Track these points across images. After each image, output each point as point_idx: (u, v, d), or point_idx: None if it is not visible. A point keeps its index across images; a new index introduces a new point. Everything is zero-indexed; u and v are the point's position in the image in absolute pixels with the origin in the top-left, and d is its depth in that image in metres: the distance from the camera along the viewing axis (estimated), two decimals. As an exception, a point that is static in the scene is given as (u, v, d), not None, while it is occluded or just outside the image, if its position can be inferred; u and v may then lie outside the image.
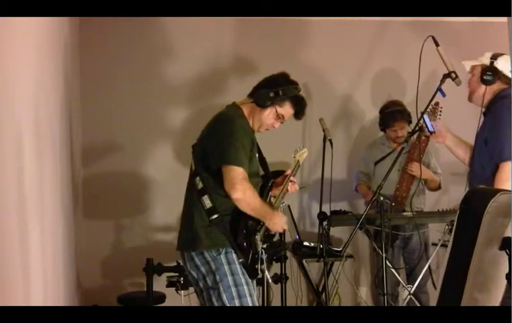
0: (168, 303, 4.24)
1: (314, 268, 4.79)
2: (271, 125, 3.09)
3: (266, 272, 3.07)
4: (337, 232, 4.65)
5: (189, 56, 4.80)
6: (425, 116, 3.64)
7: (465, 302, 2.68)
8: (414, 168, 4.23)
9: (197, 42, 4.81)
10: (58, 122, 3.34)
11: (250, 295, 2.90)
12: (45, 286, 2.77)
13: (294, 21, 4.86)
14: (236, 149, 2.87)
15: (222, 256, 2.89)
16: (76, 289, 4.18)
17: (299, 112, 3.10)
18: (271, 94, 3.01)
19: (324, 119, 4.40)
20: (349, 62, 5.01)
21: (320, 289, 4.65)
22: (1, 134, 1.95)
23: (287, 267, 4.33)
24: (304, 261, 4.61)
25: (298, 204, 4.96)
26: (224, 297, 2.86)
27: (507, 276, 2.47)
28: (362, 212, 3.91)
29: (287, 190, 3.19)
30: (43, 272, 2.72)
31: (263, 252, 2.99)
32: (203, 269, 2.91)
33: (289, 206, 4.39)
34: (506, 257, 2.48)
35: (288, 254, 4.39)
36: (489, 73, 3.39)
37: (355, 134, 5.07)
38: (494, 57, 3.42)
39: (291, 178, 3.19)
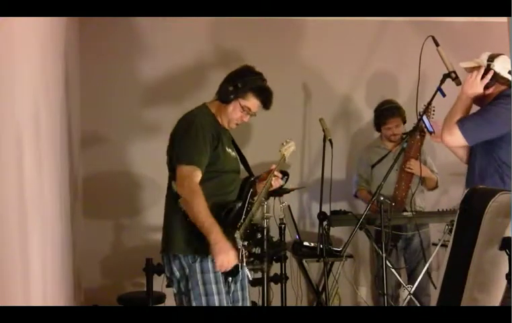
0: (168, 303, 4.24)
1: (314, 268, 4.78)
2: (240, 119, 3.06)
3: (246, 269, 3.01)
4: (337, 232, 4.64)
5: (190, 56, 4.79)
6: (424, 117, 3.65)
7: (465, 302, 2.68)
8: (413, 165, 4.23)
9: (197, 42, 4.81)
10: (58, 122, 3.34)
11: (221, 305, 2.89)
12: (45, 286, 2.77)
13: (294, 21, 4.86)
14: (189, 148, 2.88)
15: (197, 264, 2.88)
16: (76, 289, 4.18)
17: (265, 102, 3.05)
18: (230, 88, 2.98)
19: (324, 119, 4.40)
20: (349, 62, 5.01)
21: (320, 289, 4.65)
22: (1, 134, 1.95)
23: (287, 267, 4.33)
24: (304, 261, 4.60)
25: (298, 204, 4.96)
26: (194, 305, 2.87)
27: (507, 276, 2.48)
28: (362, 212, 3.91)
29: (271, 185, 3.16)
30: (43, 272, 2.72)
31: (244, 249, 2.94)
32: (177, 274, 2.92)
33: (289, 206, 4.39)
34: (506, 257, 2.49)
35: (288, 254, 4.39)
36: (487, 76, 3.39)
37: (355, 134, 5.07)
38: (491, 59, 3.40)
39: (276, 173, 3.15)
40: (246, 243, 2.98)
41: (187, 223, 2.88)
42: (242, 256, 2.93)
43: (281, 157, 3.25)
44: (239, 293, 3.06)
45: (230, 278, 2.98)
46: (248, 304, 3.13)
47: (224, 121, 3.06)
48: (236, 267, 2.93)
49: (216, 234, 2.79)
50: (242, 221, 2.96)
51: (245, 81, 2.99)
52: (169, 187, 3.04)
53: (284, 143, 3.29)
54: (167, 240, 2.98)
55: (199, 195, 2.83)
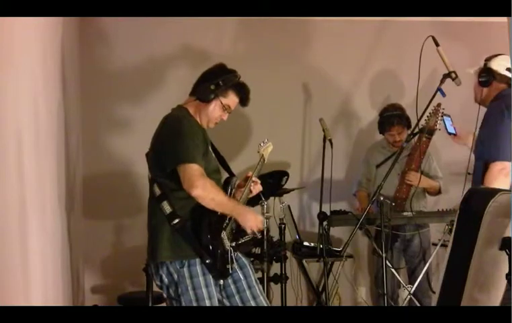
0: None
1: (314, 268, 4.78)
2: (220, 118, 3.04)
3: (232, 267, 3.01)
4: (337, 232, 4.64)
5: (194, 56, 4.78)
6: (445, 118, 3.65)
7: (465, 302, 2.68)
8: (412, 178, 4.22)
9: (198, 42, 4.81)
10: (57, 122, 3.35)
11: None
12: (45, 286, 2.77)
13: (294, 21, 4.86)
14: (187, 147, 2.83)
15: (185, 269, 2.85)
16: (76, 289, 4.18)
17: (244, 99, 3.05)
18: (212, 87, 2.95)
19: (324, 119, 4.40)
20: (350, 62, 5.01)
21: (320, 289, 4.65)
22: (0, 134, 1.96)
23: (287, 267, 4.32)
24: (304, 261, 4.60)
25: (298, 204, 4.96)
26: None
27: (507, 276, 2.47)
28: (362, 213, 3.91)
29: (251, 192, 3.12)
30: (43, 272, 2.72)
31: (233, 250, 2.94)
32: (166, 280, 2.90)
33: (289, 206, 4.39)
34: (506, 257, 2.48)
35: (288, 254, 4.39)
36: (483, 75, 3.42)
37: (355, 134, 5.07)
38: (489, 58, 3.45)
39: (254, 179, 3.12)
40: (234, 244, 2.97)
41: (170, 228, 2.85)
42: (231, 257, 2.92)
43: (260, 157, 3.22)
44: (247, 292, 3.03)
45: (222, 281, 2.95)
46: (261, 302, 3.08)
47: (203, 121, 3.02)
48: (225, 269, 2.92)
49: (242, 210, 2.94)
50: (227, 221, 2.95)
51: (225, 79, 2.98)
52: (151, 193, 2.99)
53: (262, 144, 3.27)
54: (152, 248, 2.93)
55: (215, 186, 2.87)
